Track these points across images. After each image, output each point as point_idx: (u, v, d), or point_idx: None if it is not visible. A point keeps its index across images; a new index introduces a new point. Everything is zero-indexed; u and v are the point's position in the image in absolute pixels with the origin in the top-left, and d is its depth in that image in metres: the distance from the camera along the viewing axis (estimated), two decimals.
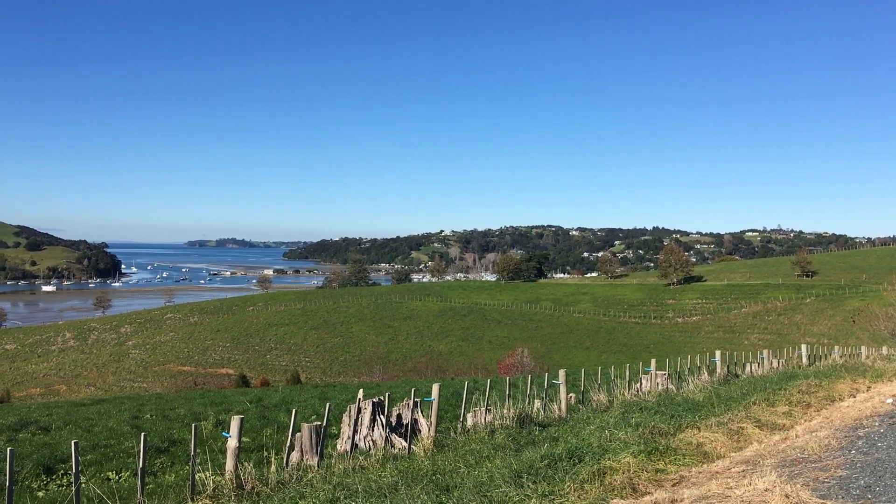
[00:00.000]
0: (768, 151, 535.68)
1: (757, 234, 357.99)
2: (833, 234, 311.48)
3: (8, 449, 8.28)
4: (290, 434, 10.76)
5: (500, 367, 75.40)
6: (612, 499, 7.20)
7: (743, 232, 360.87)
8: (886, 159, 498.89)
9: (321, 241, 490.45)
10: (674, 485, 8.10)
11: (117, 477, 13.43)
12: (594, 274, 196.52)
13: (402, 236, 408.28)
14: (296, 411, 11.24)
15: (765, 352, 30.40)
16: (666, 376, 21.38)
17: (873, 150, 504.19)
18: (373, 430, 12.96)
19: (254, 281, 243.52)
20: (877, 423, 11.35)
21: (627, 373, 20.46)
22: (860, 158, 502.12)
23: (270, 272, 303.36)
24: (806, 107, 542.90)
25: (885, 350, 39.58)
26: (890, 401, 14.34)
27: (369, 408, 13.03)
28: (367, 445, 12.73)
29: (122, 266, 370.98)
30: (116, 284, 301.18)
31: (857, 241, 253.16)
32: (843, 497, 6.69)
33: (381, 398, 13.30)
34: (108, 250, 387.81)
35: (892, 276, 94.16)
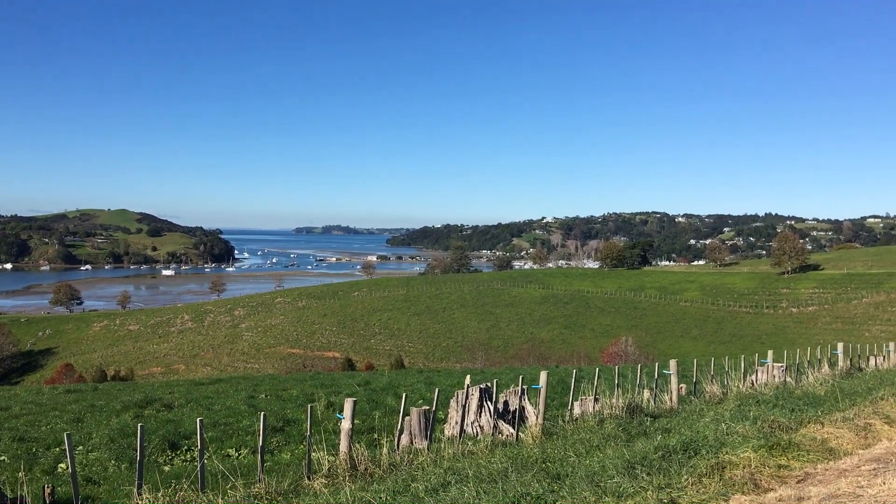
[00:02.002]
0: (890, 131, 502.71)
1: (879, 220, 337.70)
2: None
3: (138, 425, 8.76)
4: (399, 417, 10.92)
5: (603, 355, 74.38)
6: (732, 494, 6.95)
7: (864, 218, 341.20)
8: None
9: (423, 228, 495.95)
10: (799, 482, 7.75)
11: (237, 454, 14.01)
12: (701, 262, 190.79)
13: (503, 223, 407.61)
14: (406, 395, 11.40)
15: (891, 345, 28.69)
16: (783, 368, 20.53)
17: None
18: (480, 416, 13.01)
19: (358, 267, 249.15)
20: None
21: (742, 364, 19.75)
22: None
23: (374, 258, 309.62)
24: None
25: None
26: None
27: (477, 394, 13.08)
28: (475, 431, 12.80)
29: (235, 251, 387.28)
30: (230, 269, 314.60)
31: None
32: None
33: (489, 384, 13.32)
34: (222, 236, 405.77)
35: None
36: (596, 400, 14.48)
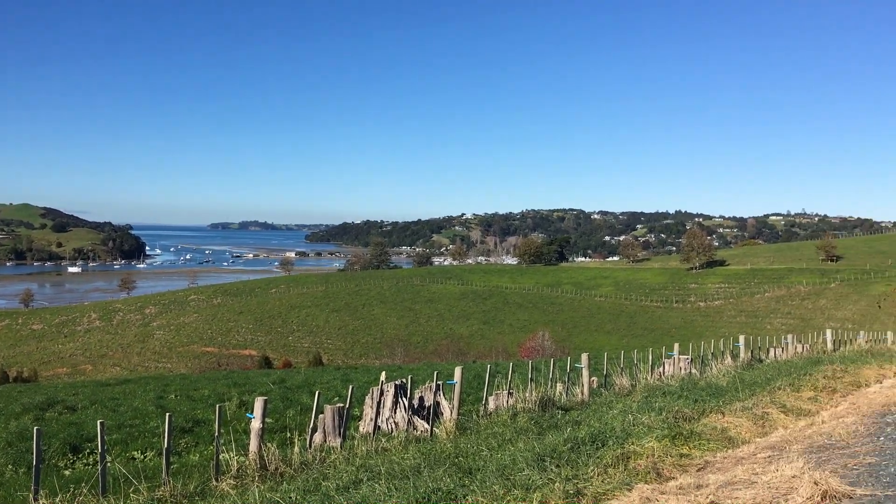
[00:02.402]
0: (793, 134, 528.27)
1: (781, 218, 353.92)
2: (858, 219, 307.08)
3: (35, 428, 8.39)
4: (312, 415, 10.81)
5: (521, 350, 75.44)
6: (636, 483, 7.15)
7: (767, 216, 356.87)
8: None
9: (343, 224, 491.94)
10: (699, 470, 8.04)
11: (143, 456, 13.60)
12: (616, 258, 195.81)
13: (423, 219, 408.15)
14: (319, 393, 11.29)
15: (789, 336, 30.13)
16: (689, 361, 21.27)
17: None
18: (395, 413, 13.00)
19: (276, 263, 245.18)
20: None
21: (650, 357, 20.36)
22: (887, 141, 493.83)
23: (293, 255, 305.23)
24: (831, 90, 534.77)
25: None
26: None
27: (392, 390, 13.07)
28: (390, 428, 12.79)
29: (147, 248, 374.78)
30: (141, 266, 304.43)
31: (883, 225, 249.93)
32: (872, 484, 6.59)
33: (404, 381, 13.33)
34: (133, 232, 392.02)
35: None
36: (510, 394, 14.67)
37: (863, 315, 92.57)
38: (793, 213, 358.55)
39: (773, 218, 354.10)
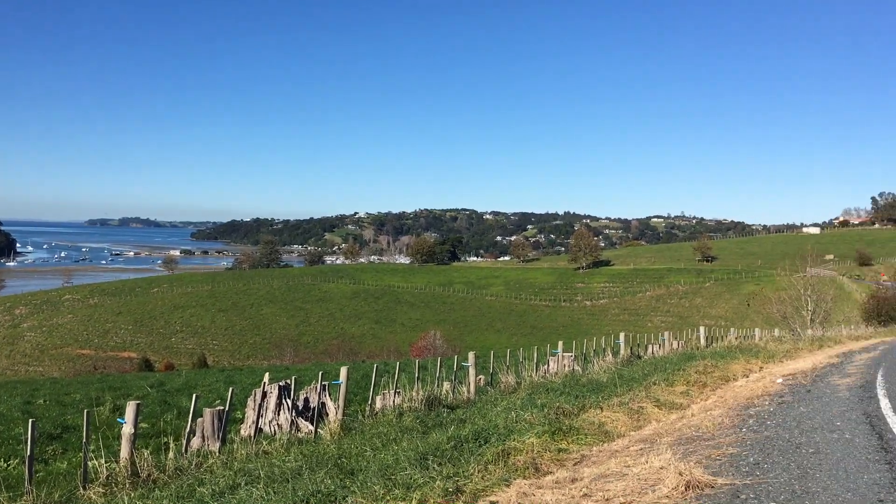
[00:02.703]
0: (673, 140, 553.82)
1: (662, 220, 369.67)
2: (732, 221, 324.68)
3: None
4: (190, 419, 10.44)
5: (412, 349, 75.59)
6: (514, 479, 7.27)
7: (649, 218, 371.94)
8: (781, 150, 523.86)
9: (231, 222, 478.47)
10: (575, 464, 8.26)
11: (6, 465, 12.76)
12: (507, 258, 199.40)
13: (315, 218, 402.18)
14: (196, 395, 10.90)
15: (666, 333, 31.43)
16: (573, 358, 21.87)
17: (770, 141, 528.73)
18: (278, 415, 12.75)
19: (159, 262, 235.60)
20: (767, 403, 11.90)
21: (535, 355, 20.82)
22: (757, 148, 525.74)
23: (177, 253, 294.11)
24: (705, 100, 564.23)
25: (776, 332, 41.67)
26: (780, 381, 15.08)
27: (275, 391, 12.81)
28: (273, 430, 12.52)
29: (17, 245, 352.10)
30: (11, 264, 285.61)
31: (754, 228, 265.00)
32: (733, 474, 6.97)
33: (288, 382, 13.09)
34: (2, 228, 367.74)
35: (785, 261, 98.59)
36: (397, 393, 14.65)
37: (734, 313, 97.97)
38: (673, 215, 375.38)
39: (655, 220, 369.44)
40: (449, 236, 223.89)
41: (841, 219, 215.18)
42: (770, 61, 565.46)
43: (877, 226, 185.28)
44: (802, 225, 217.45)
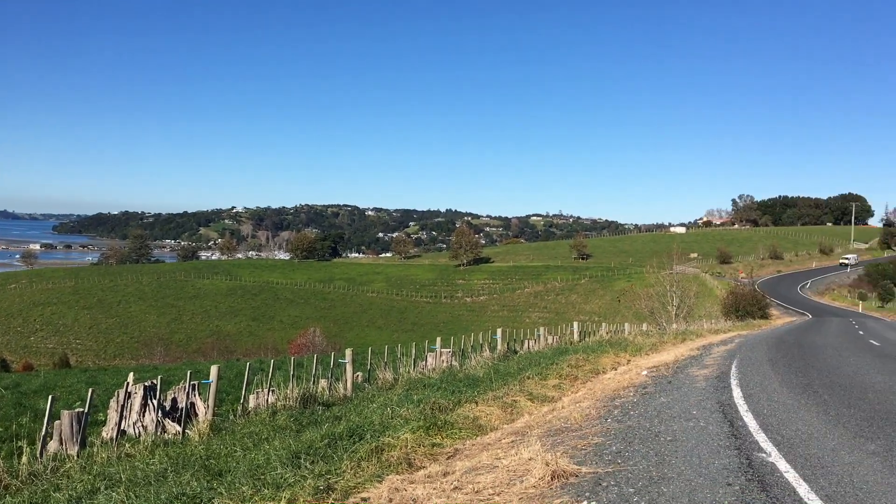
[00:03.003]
0: (551, 141, 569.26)
1: (541, 218, 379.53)
2: (606, 221, 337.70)
3: None
4: (45, 422, 9.85)
5: (291, 347, 74.25)
6: (387, 475, 7.27)
7: (529, 216, 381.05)
8: (652, 153, 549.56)
9: (97, 215, 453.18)
10: (448, 458, 8.35)
11: None
12: (389, 254, 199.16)
13: (190, 212, 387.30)
14: (53, 397, 10.30)
15: (541, 329, 32.31)
16: (451, 354, 22.14)
17: (641, 144, 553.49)
18: (144, 416, 12.23)
19: (17, 256, 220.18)
20: (632, 394, 12.44)
21: (414, 351, 20.95)
22: (630, 151, 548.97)
23: (37, 247, 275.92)
24: (583, 102, 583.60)
25: (644, 327, 43.68)
26: (645, 373, 15.80)
27: (141, 392, 12.29)
28: (137, 432, 12.01)
29: None
30: None
31: (627, 227, 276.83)
32: (596, 462, 7.23)
33: (154, 381, 12.57)
34: None
35: (654, 259, 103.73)
36: (272, 392, 14.37)
37: (607, 308, 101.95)
38: (551, 214, 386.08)
39: (535, 218, 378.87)
40: (330, 232, 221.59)
41: (704, 219, 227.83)
42: (638, 67, 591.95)
43: (736, 226, 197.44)
44: (670, 225, 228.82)
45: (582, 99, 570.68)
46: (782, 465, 7.18)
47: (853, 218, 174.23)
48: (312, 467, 7.65)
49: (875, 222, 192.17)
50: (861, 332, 37.02)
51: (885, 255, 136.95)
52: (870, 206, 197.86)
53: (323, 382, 15.92)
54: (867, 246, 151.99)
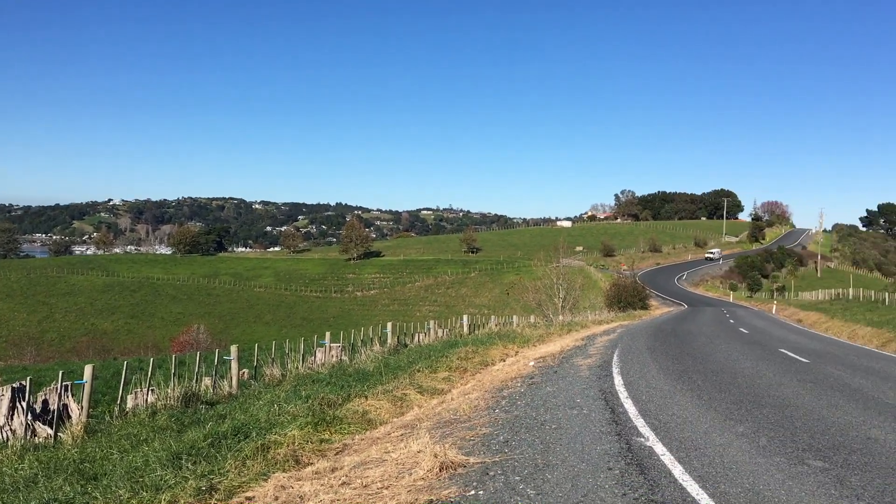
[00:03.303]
0: (440, 135, 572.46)
1: (431, 212, 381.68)
2: (496, 215, 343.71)
3: None
4: None
5: (173, 344, 71.59)
6: (273, 473, 7.13)
7: (419, 210, 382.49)
8: (539, 148, 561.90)
9: None
10: (337, 453, 8.27)
11: None
12: (277, 248, 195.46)
13: (62, 204, 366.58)
14: None
15: (432, 322, 32.51)
16: (340, 348, 21.95)
17: (529, 139, 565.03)
18: (12, 419, 11.50)
19: None
20: (519, 384, 12.70)
21: (302, 346, 20.59)
22: (518, 146, 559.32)
23: None
24: (470, 99, 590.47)
25: (532, 319, 44.74)
26: (532, 363, 16.16)
27: (8, 394, 11.54)
28: (5, 436, 11.27)
29: None
30: None
31: (515, 221, 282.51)
32: (484, 452, 7.34)
33: (23, 383, 11.83)
34: None
35: (542, 253, 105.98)
36: (152, 391, 13.81)
37: (496, 301, 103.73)
38: (441, 208, 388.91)
39: (425, 212, 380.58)
40: (215, 226, 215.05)
41: (590, 213, 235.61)
42: (523, 64, 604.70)
43: (619, 220, 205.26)
44: (557, 219, 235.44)
45: (470, 95, 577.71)
46: (659, 448, 7.50)
47: (725, 213, 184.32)
48: (194, 468, 7.41)
49: (745, 217, 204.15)
50: (731, 321, 39.23)
51: (754, 247, 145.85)
52: (740, 202, 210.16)
53: (207, 380, 15.43)
54: (738, 239, 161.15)
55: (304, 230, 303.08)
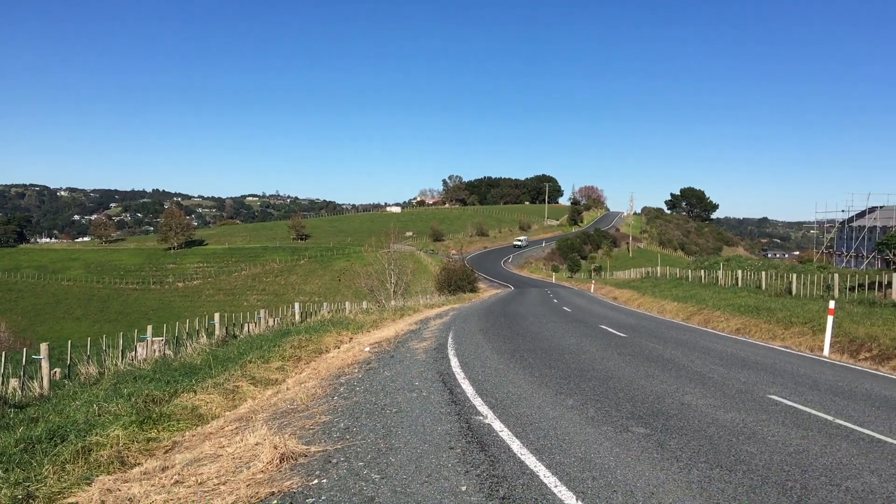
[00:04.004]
0: (267, 120, 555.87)
1: (257, 199, 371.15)
2: (324, 201, 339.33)
3: None
4: None
5: None
6: (97, 476, 6.65)
7: (244, 197, 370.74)
8: (367, 133, 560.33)
9: None
10: (166, 452, 7.86)
11: None
12: (87, 238, 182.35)
13: None
14: None
15: (262, 311, 31.66)
16: (164, 342, 20.85)
17: (357, 123, 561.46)
18: None
19: None
20: (356, 371, 12.64)
21: (121, 341, 19.38)
22: (346, 131, 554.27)
23: None
24: (296, 86, 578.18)
25: (365, 304, 44.73)
26: (368, 349, 16.14)
27: None
28: None
29: None
30: None
31: (344, 207, 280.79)
32: (325, 441, 7.22)
33: None
34: None
35: (372, 238, 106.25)
36: None
37: (327, 288, 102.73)
38: (268, 194, 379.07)
39: (250, 199, 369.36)
40: (15, 215, 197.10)
41: (419, 199, 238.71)
42: (352, 51, 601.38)
43: (447, 205, 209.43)
44: (387, 205, 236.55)
45: (296, 80, 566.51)
46: (497, 425, 7.72)
47: (547, 197, 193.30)
48: (7, 475, 6.77)
49: (565, 201, 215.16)
50: (555, 301, 41.24)
51: (573, 230, 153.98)
52: (560, 187, 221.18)
53: (14, 382, 14.14)
54: (558, 222, 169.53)
55: (118, 218, 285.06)
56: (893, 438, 7.69)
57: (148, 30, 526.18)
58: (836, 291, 28.09)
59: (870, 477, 6.16)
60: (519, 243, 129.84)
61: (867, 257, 46.36)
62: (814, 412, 9.02)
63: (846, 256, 50.48)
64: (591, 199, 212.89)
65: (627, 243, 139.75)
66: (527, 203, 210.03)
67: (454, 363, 12.88)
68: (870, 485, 5.94)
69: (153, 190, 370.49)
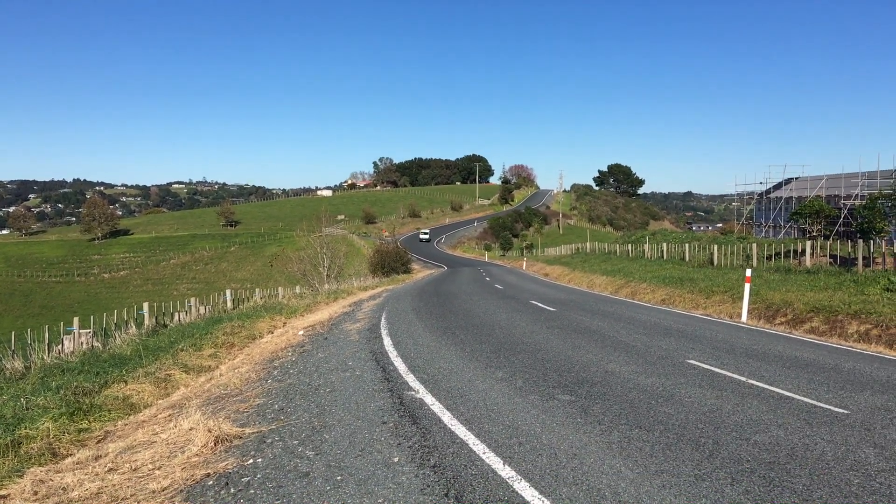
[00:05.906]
0: (192, 105, 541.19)
1: (184, 186, 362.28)
2: (254, 186, 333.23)
3: None
4: None
5: None
6: (28, 468, 6.60)
7: (170, 184, 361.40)
8: (294, 116, 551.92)
9: None
10: (99, 441, 7.83)
11: None
12: (6, 231, 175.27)
13: None
14: None
15: (192, 300, 31.24)
16: (91, 334, 20.46)
17: (284, 108, 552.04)
18: None
19: None
20: (290, 354, 12.70)
21: (47, 335, 18.92)
22: (270, 115, 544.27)
23: None
24: (224, 69, 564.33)
25: (298, 289, 44.44)
26: (301, 333, 16.18)
27: None
28: None
29: None
30: None
31: (274, 192, 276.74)
32: (259, 422, 7.32)
33: None
34: None
35: (304, 223, 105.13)
36: None
37: (259, 274, 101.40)
38: (195, 181, 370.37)
39: (177, 186, 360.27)
40: None
41: (350, 182, 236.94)
42: (275, 35, 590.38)
43: (378, 188, 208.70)
44: (317, 188, 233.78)
45: (221, 63, 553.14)
46: (429, 399, 7.95)
47: (478, 177, 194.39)
48: None
49: (495, 180, 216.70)
50: (488, 279, 41.77)
51: (505, 209, 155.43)
52: (490, 166, 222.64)
53: None
54: (490, 202, 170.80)
55: (38, 210, 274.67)
56: (800, 395, 8.23)
57: (60, 8, 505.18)
58: (755, 261, 29.31)
59: (777, 430, 6.62)
60: (424, 237, 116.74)
61: (784, 227, 48.34)
62: (728, 374, 9.55)
63: (765, 227, 52.53)
64: (521, 177, 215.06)
65: (558, 220, 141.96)
66: (458, 183, 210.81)
67: (387, 342, 13.07)
68: (776, 437, 6.39)
69: (73, 180, 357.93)
